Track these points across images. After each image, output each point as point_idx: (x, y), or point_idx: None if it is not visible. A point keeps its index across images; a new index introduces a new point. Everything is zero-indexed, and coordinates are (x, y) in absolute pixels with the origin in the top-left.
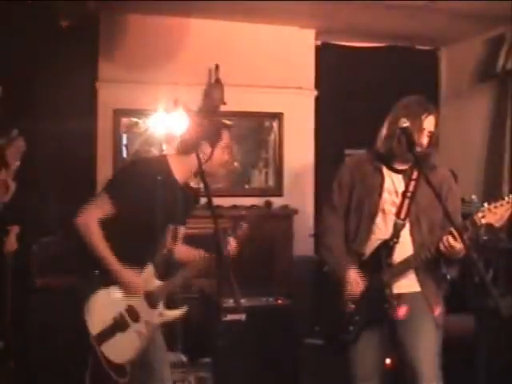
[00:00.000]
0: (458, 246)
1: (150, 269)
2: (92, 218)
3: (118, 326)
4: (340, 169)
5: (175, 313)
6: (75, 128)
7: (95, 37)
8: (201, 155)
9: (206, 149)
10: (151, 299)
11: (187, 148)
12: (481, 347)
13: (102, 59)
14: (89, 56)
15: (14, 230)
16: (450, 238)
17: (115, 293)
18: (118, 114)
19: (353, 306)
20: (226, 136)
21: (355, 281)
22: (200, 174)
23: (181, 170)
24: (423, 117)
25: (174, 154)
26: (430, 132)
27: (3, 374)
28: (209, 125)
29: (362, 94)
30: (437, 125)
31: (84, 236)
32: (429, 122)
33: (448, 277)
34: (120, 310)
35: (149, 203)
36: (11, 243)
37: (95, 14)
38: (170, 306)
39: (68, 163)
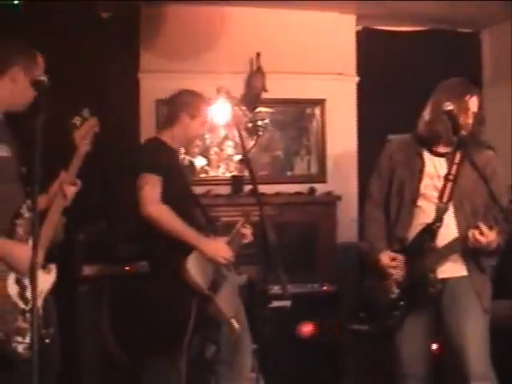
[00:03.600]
0: (485, 240)
1: None
2: (158, 202)
3: (218, 282)
4: (380, 154)
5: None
6: (118, 118)
7: (136, 27)
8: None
9: (185, 120)
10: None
11: (168, 120)
12: None
13: (143, 50)
14: (130, 47)
15: (60, 220)
16: (477, 233)
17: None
18: (161, 104)
19: (397, 291)
20: (206, 112)
21: (392, 262)
22: (245, 162)
23: (173, 141)
24: (467, 98)
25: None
26: (473, 113)
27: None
28: (190, 98)
29: (404, 79)
30: (480, 106)
31: (160, 221)
32: (472, 103)
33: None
34: (212, 268)
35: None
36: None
37: (135, 4)
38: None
39: (111, 153)
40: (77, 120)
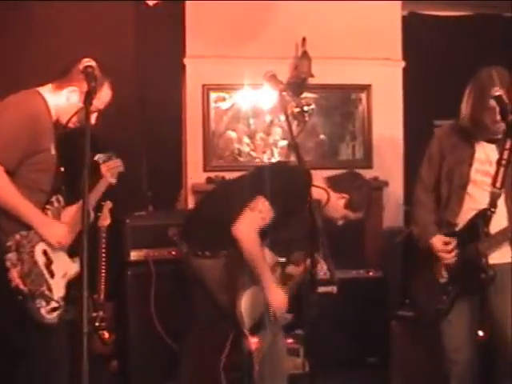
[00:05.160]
0: None
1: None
2: (254, 231)
3: (263, 322)
4: (430, 141)
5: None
6: (164, 104)
7: (182, 13)
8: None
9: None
10: None
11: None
12: None
13: (189, 35)
14: (176, 33)
15: (107, 205)
16: None
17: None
18: (207, 89)
19: (446, 276)
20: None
21: (445, 245)
22: (294, 147)
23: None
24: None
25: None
26: None
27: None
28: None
29: (451, 64)
30: None
31: (243, 247)
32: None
33: None
34: (263, 310)
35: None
36: (105, 218)
37: None
38: None
39: (157, 139)
40: (100, 158)
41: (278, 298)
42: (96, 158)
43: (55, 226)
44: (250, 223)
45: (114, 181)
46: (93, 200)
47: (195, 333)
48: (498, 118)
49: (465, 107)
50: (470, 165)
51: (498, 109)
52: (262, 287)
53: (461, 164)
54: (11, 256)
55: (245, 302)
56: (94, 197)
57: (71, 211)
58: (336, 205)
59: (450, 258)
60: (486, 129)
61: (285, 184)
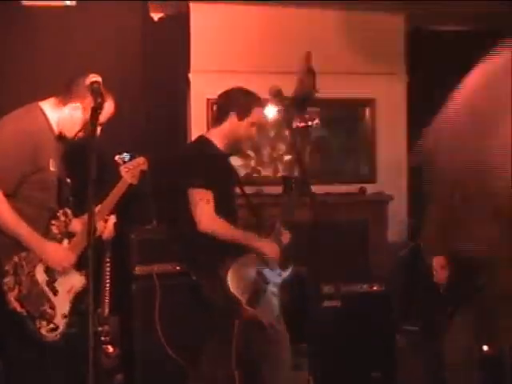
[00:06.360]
0: None
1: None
2: (213, 215)
3: (259, 290)
4: None
5: (287, 271)
6: (169, 118)
7: (187, 27)
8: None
9: (234, 120)
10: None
11: (217, 118)
12: None
13: (193, 49)
14: (181, 47)
15: (112, 218)
16: None
17: (245, 264)
18: (211, 103)
19: (446, 287)
20: (257, 113)
21: (441, 267)
22: (299, 162)
23: (220, 140)
24: None
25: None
26: None
27: (107, 359)
28: (239, 97)
29: (456, 80)
30: None
31: (218, 235)
32: None
33: None
34: (253, 276)
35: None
36: (109, 231)
37: (186, 4)
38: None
39: (161, 153)
40: (119, 159)
41: (269, 248)
42: (116, 158)
43: (55, 250)
44: (204, 213)
45: (135, 182)
46: (111, 204)
47: (210, 346)
48: None
49: None
50: None
51: None
52: (253, 252)
53: None
54: (8, 280)
55: (231, 280)
56: (112, 200)
57: (80, 222)
58: (247, 130)
59: (440, 279)
60: None
61: (192, 162)
